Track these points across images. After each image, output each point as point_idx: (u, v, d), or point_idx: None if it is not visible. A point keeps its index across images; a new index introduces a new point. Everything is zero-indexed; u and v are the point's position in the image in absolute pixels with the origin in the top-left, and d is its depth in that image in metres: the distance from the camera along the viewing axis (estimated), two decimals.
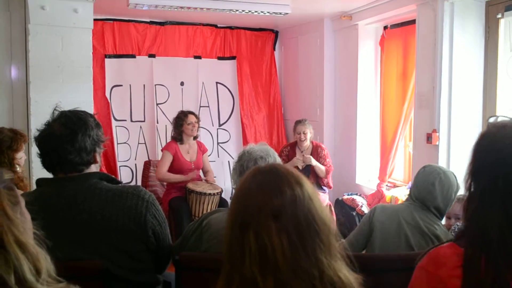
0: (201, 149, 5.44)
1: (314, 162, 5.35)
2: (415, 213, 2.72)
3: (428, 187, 2.73)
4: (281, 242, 1.19)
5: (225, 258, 1.28)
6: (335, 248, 1.26)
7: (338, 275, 1.23)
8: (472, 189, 1.44)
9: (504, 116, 1.49)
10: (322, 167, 5.39)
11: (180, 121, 5.25)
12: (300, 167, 5.34)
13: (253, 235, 1.21)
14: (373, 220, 2.77)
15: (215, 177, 5.65)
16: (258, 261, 1.20)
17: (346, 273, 1.26)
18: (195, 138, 5.39)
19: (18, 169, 3.39)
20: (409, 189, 3.07)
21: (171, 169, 5.23)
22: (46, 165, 2.14)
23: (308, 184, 1.29)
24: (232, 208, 1.30)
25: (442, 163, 4.43)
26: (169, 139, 5.54)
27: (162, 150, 5.42)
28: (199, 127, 5.37)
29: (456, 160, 4.39)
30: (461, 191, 4.24)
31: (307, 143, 5.55)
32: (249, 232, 1.22)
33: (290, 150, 5.66)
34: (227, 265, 1.26)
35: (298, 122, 5.61)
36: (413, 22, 5.00)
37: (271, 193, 1.24)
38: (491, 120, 1.49)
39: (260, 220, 1.22)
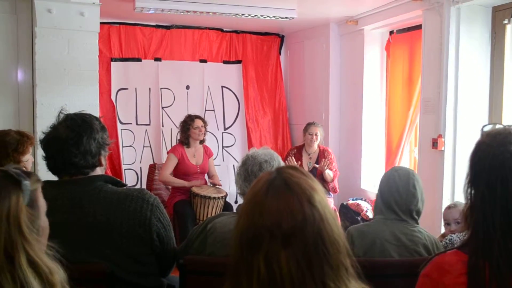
0: (207, 153, 5.44)
1: (327, 171, 5.33)
2: (394, 229, 2.51)
3: (410, 190, 2.54)
4: (289, 269, 1.17)
5: (232, 271, 1.25)
6: (345, 266, 1.23)
7: None
8: (472, 198, 1.45)
9: (498, 124, 1.51)
10: (331, 173, 5.39)
11: (187, 125, 5.27)
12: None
13: (263, 260, 1.18)
14: (354, 250, 2.60)
15: (219, 181, 5.65)
16: (267, 285, 1.17)
17: None
18: (201, 142, 5.40)
19: None
20: (376, 203, 2.69)
21: (177, 172, 5.24)
22: (51, 167, 2.15)
23: (320, 201, 1.24)
24: (241, 225, 1.25)
25: (447, 168, 4.42)
26: (174, 143, 5.56)
27: (168, 153, 5.43)
28: (205, 131, 5.38)
29: (462, 166, 4.38)
30: (448, 191, 4.26)
31: (315, 146, 5.56)
32: (259, 256, 1.19)
33: (296, 152, 5.66)
34: (232, 281, 1.24)
35: (310, 124, 5.64)
36: (419, 27, 4.99)
37: (281, 216, 1.20)
38: (486, 129, 1.51)
39: (270, 244, 1.18)
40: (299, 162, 5.47)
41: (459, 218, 3.10)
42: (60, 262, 1.34)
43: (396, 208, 2.54)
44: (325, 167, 5.28)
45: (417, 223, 2.58)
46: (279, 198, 1.23)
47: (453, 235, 2.94)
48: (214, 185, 5.31)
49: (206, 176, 5.47)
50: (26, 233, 1.27)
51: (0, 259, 1.22)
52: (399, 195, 2.54)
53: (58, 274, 1.29)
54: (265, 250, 1.19)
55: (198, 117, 5.36)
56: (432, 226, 3.43)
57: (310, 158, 5.54)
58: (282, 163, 2.57)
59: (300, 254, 1.18)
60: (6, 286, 1.20)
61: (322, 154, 5.54)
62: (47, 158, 2.14)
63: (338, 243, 1.23)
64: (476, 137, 1.52)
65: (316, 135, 5.53)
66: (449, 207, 3.22)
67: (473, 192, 1.45)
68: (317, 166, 5.37)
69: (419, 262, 1.58)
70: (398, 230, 2.51)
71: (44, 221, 1.41)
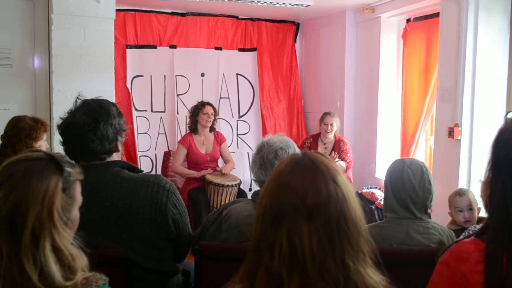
0: (218, 139, 5.45)
1: (339, 162, 5.32)
2: (409, 229, 2.43)
3: (426, 187, 2.45)
4: (311, 244, 1.18)
5: (253, 249, 1.26)
6: (364, 252, 1.24)
7: (364, 280, 1.21)
8: (493, 185, 1.43)
9: None
10: (343, 164, 5.38)
11: (197, 110, 5.30)
12: None
13: (285, 233, 1.20)
14: None
15: (234, 168, 5.66)
16: (288, 260, 1.19)
17: (373, 278, 1.24)
18: (211, 130, 5.41)
19: None
20: (388, 201, 2.56)
21: (188, 162, 5.28)
22: (68, 153, 2.16)
23: (344, 182, 1.26)
24: (265, 200, 1.26)
25: (463, 158, 4.38)
26: (188, 130, 5.57)
27: (178, 143, 5.46)
28: (215, 119, 5.39)
29: (478, 155, 4.34)
30: (464, 181, 4.22)
31: (331, 136, 5.55)
32: (281, 229, 1.20)
33: (312, 142, 5.66)
34: (255, 256, 1.25)
35: (326, 114, 5.65)
36: (436, 15, 4.94)
37: (306, 192, 1.22)
38: (510, 115, 1.48)
39: (293, 219, 1.20)
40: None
41: (472, 204, 3.07)
42: (82, 249, 1.36)
43: (412, 207, 2.45)
44: (336, 158, 5.27)
45: (430, 217, 2.51)
46: (305, 174, 1.24)
47: (477, 225, 2.89)
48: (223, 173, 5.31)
49: (221, 163, 5.48)
50: (56, 219, 1.28)
51: (25, 238, 1.23)
52: (415, 193, 2.44)
53: (80, 260, 1.31)
54: (288, 225, 1.20)
55: (210, 104, 5.38)
56: (447, 216, 3.42)
57: (325, 148, 5.53)
58: (298, 150, 2.56)
59: (322, 230, 1.20)
60: (26, 266, 1.22)
61: (337, 144, 5.53)
62: (64, 144, 2.16)
63: (359, 226, 1.24)
64: (494, 126, 1.50)
65: (331, 125, 5.53)
66: (460, 194, 3.15)
67: (494, 179, 1.43)
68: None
69: (436, 251, 1.57)
70: (414, 230, 2.43)
71: (75, 215, 1.43)
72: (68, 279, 1.25)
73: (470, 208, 3.08)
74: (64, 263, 1.26)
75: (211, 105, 5.39)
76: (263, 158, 2.44)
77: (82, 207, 2.06)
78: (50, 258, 1.24)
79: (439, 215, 2.96)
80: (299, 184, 1.23)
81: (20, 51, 4.82)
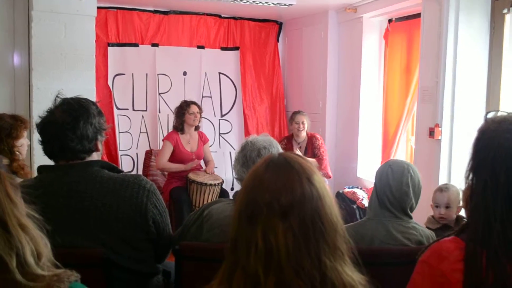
0: (202, 139, 5.45)
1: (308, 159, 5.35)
2: (390, 228, 2.45)
3: (403, 189, 2.46)
4: (286, 242, 1.19)
5: (230, 249, 1.27)
6: (342, 250, 1.25)
7: (341, 277, 1.22)
8: (474, 185, 1.44)
9: (502, 111, 1.49)
10: (312, 161, 5.39)
11: (182, 110, 5.27)
12: None
13: (260, 232, 1.20)
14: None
15: (216, 167, 5.65)
16: (263, 259, 1.19)
17: (351, 276, 1.24)
18: (196, 128, 5.40)
19: (19, 156, 3.36)
20: (371, 199, 2.62)
21: (172, 160, 5.24)
22: (47, 152, 2.14)
23: (320, 181, 1.27)
24: (241, 198, 1.28)
25: (444, 158, 4.42)
26: (170, 129, 5.54)
27: (163, 140, 5.42)
28: (201, 117, 5.39)
29: (458, 155, 4.38)
30: (444, 181, 4.26)
31: (303, 134, 5.59)
32: (257, 228, 1.21)
33: (287, 142, 5.69)
34: (231, 256, 1.25)
35: (296, 112, 5.69)
36: (418, 15, 4.98)
37: (281, 190, 1.23)
38: (490, 115, 1.49)
39: (268, 218, 1.21)
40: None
41: (450, 202, 3.08)
42: (56, 245, 1.33)
43: (390, 207, 2.47)
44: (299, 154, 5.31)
45: (411, 218, 2.52)
46: (279, 173, 1.26)
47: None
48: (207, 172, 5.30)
49: (202, 163, 5.47)
50: (13, 197, 1.25)
51: None
52: (391, 194, 2.47)
53: (45, 246, 1.27)
54: (263, 223, 1.21)
55: (194, 103, 5.36)
56: (426, 215, 3.43)
57: (300, 147, 5.55)
58: (281, 150, 2.56)
59: (297, 227, 1.21)
60: (4, 250, 1.18)
61: (310, 141, 5.58)
62: (43, 143, 2.13)
63: (336, 224, 1.25)
64: (474, 126, 1.51)
65: (302, 123, 5.56)
66: (441, 190, 3.17)
67: (475, 179, 1.44)
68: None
69: (416, 250, 1.58)
70: (394, 229, 2.44)
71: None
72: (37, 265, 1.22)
73: (447, 206, 3.09)
74: (31, 245, 1.23)
75: (195, 103, 5.37)
76: (246, 156, 2.44)
77: (62, 207, 2.04)
78: (22, 238, 1.20)
79: (420, 216, 2.97)
80: (273, 183, 1.24)
81: None
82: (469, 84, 4.40)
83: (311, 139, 5.60)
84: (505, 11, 4.16)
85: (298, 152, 5.33)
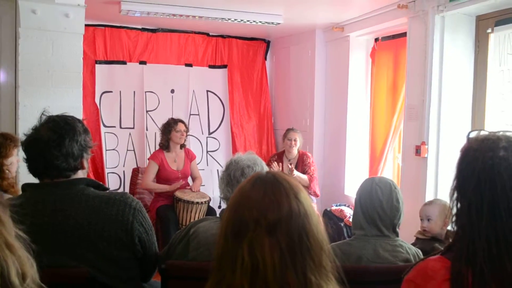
0: (189, 156, 5.43)
1: (296, 173, 5.37)
2: (377, 246, 2.43)
3: (394, 205, 2.45)
4: (272, 258, 1.19)
5: (216, 265, 1.27)
6: (327, 268, 1.25)
7: None
8: (458, 204, 1.44)
9: (483, 130, 1.50)
10: (304, 177, 5.40)
11: (169, 128, 5.26)
12: None
13: (246, 247, 1.20)
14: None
15: (203, 185, 5.62)
16: (249, 274, 1.19)
17: None
18: (182, 146, 5.38)
19: (8, 175, 3.32)
20: (356, 218, 2.55)
21: (158, 178, 5.22)
22: (32, 170, 2.12)
23: (306, 199, 1.28)
24: (227, 215, 1.28)
25: (430, 175, 4.45)
26: (158, 147, 5.53)
27: (148, 160, 5.40)
28: (187, 136, 5.38)
29: (445, 173, 4.41)
30: (431, 198, 4.28)
31: (295, 151, 5.60)
32: (243, 244, 1.21)
33: (277, 159, 5.70)
34: (217, 273, 1.25)
35: (290, 129, 5.73)
36: (404, 34, 5.03)
37: (268, 206, 1.23)
38: (472, 135, 1.50)
39: (255, 233, 1.21)
40: (280, 168, 5.51)
41: (431, 215, 3.10)
42: (41, 264, 1.31)
43: (379, 224, 2.44)
44: (294, 172, 5.31)
45: (398, 235, 2.51)
46: (267, 190, 1.26)
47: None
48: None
49: (190, 180, 5.45)
50: (2, 216, 1.24)
51: None
52: (383, 210, 2.44)
53: (31, 267, 1.26)
54: (250, 239, 1.21)
55: (181, 121, 5.36)
56: (414, 233, 3.43)
57: (290, 164, 5.55)
58: (266, 168, 2.56)
59: (283, 243, 1.21)
60: None
61: (301, 159, 5.59)
62: (28, 160, 2.11)
63: (321, 242, 1.25)
64: (460, 144, 1.52)
65: (295, 140, 5.60)
66: (427, 204, 3.21)
67: (459, 198, 1.44)
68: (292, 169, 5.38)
69: (403, 268, 1.58)
70: (381, 247, 2.43)
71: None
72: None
73: (429, 219, 3.10)
74: (16, 265, 1.21)
75: (182, 122, 5.36)
76: (230, 176, 2.44)
77: (46, 226, 2.01)
78: (8, 258, 1.19)
79: (407, 233, 2.97)
80: (260, 199, 1.24)
81: None
82: (455, 102, 4.44)
83: (302, 156, 5.62)
84: (489, 30, 4.22)
85: (290, 166, 5.34)
